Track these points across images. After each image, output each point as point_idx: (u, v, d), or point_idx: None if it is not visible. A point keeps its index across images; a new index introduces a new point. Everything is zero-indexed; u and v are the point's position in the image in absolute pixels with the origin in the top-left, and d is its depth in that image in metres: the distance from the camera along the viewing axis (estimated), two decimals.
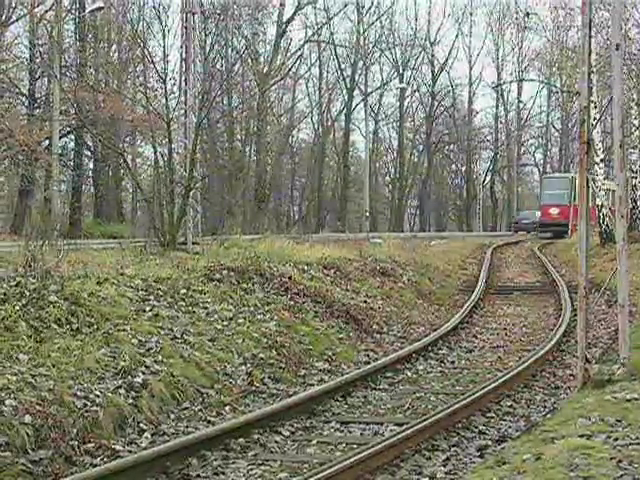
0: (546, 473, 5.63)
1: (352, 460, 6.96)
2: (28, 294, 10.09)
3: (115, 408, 8.26)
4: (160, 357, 9.81)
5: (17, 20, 34.13)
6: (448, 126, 70.81)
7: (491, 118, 74.05)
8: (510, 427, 8.79)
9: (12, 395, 7.58)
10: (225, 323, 12.09)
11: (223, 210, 41.13)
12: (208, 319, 12.06)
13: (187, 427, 8.61)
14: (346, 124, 61.76)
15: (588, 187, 9.70)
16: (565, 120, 71.58)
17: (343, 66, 60.97)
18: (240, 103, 50.66)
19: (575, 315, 13.09)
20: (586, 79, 9.44)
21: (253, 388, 10.27)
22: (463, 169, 74.21)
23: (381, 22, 63.21)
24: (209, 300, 12.99)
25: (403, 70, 66.37)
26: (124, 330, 10.24)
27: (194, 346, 10.65)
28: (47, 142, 32.09)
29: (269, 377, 10.79)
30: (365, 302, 16.84)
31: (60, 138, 31.85)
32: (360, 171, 60.44)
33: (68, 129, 35.49)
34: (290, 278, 15.57)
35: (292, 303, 14.22)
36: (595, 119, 22.18)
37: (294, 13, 54.15)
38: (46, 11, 33.66)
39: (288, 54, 54.62)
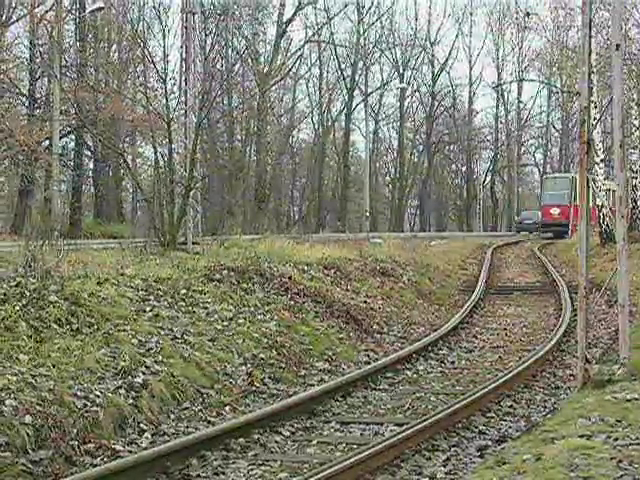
0: (546, 473, 5.63)
1: (352, 460, 6.97)
2: (28, 294, 10.09)
3: (115, 408, 8.26)
4: (160, 357, 9.81)
5: (17, 20, 34.14)
6: (448, 126, 70.83)
7: (491, 118, 74.22)
8: (510, 427, 8.79)
9: (12, 395, 7.58)
10: (225, 323, 12.09)
11: (223, 210, 41.09)
12: (208, 319, 12.06)
13: (187, 427, 8.61)
14: (346, 124, 61.79)
15: (588, 187, 9.71)
16: (565, 120, 71.60)
17: (343, 66, 61.05)
18: (240, 103, 50.67)
19: (575, 315, 13.09)
20: (586, 79, 9.44)
21: (253, 388, 10.27)
22: (463, 169, 74.26)
23: (381, 22, 63.35)
24: (209, 300, 12.99)
25: (403, 70, 66.44)
26: (124, 330, 10.24)
27: (194, 346, 10.65)
28: (47, 142, 32.08)
29: (269, 377, 10.79)
30: (365, 302, 16.84)
31: (60, 138, 31.83)
32: (360, 171, 60.44)
33: (68, 129, 35.47)
34: (290, 278, 15.57)
35: (292, 303, 14.22)
36: (595, 119, 22.18)
37: (294, 13, 54.22)
38: (46, 11, 33.63)
39: (288, 54, 54.68)
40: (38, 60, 34.21)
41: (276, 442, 8.23)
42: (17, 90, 34.80)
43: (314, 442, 8.22)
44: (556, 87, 64.82)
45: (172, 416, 8.89)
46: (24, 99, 35.62)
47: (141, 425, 8.37)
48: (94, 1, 34.84)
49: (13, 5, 33.26)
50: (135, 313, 11.11)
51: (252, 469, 7.36)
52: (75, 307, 10.25)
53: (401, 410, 9.62)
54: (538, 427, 7.60)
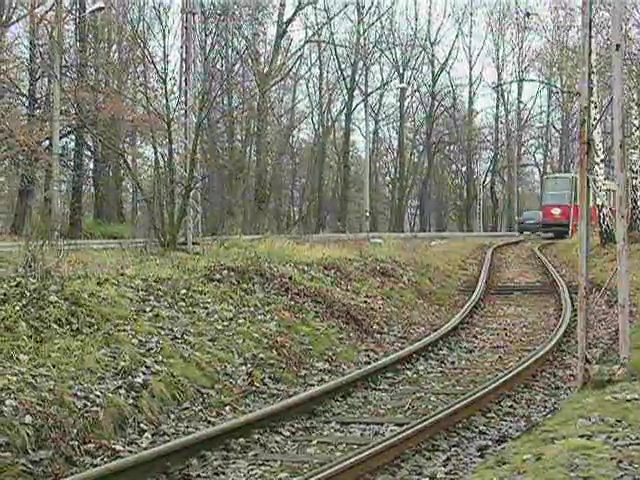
0: (546, 473, 5.63)
1: (352, 460, 6.96)
2: (28, 294, 10.09)
3: (115, 408, 8.26)
4: (160, 357, 9.81)
5: (17, 20, 34.21)
6: (448, 126, 70.86)
7: (491, 118, 74.26)
8: (510, 427, 8.79)
9: (12, 395, 7.58)
10: (225, 323, 12.09)
11: (223, 210, 41.15)
12: (208, 319, 12.06)
13: (187, 427, 8.61)
14: (346, 124, 61.81)
15: (588, 187, 9.70)
16: (565, 120, 71.63)
17: (343, 66, 61.09)
18: (240, 103, 50.70)
19: (575, 315, 13.08)
20: (586, 79, 9.44)
21: (253, 388, 10.26)
22: (463, 169, 74.27)
23: (381, 22, 63.40)
24: (209, 300, 12.99)
25: (403, 70, 66.47)
26: (124, 330, 10.24)
27: (194, 346, 10.65)
28: (47, 142, 32.12)
29: (269, 377, 10.78)
30: (365, 302, 16.84)
31: (60, 138, 31.85)
32: (360, 171, 60.46)
33: (68, 129, 35.50)
34: (290, 278, 15.57)
35: (292, 303, 14.22)
36: (595, 119, 22.17)
37: (294, 13, 54.27)
38: (46, 11, 33.68)
39: (288, 54, 54.72)
40: (38, 60, 34.23)
41: (276, 442, 8.23)
42: (17, 90, 34.84)
43: (314, 442, 8.22)
44: (556, 87, 64.91)
45: (172, 416, 8.89)
46: (24, 99, 35.65)
47: (141, 425, 8.37)
48: (94, 1, 34.90)
49: (13, 5, 33.34)
50: (135, 313, 11.11)
51: (252, 469, 7.36)
52: (75, 307, 10.25)
53: (401, 410, 9.62)
54: (538, 427, 7.59)
